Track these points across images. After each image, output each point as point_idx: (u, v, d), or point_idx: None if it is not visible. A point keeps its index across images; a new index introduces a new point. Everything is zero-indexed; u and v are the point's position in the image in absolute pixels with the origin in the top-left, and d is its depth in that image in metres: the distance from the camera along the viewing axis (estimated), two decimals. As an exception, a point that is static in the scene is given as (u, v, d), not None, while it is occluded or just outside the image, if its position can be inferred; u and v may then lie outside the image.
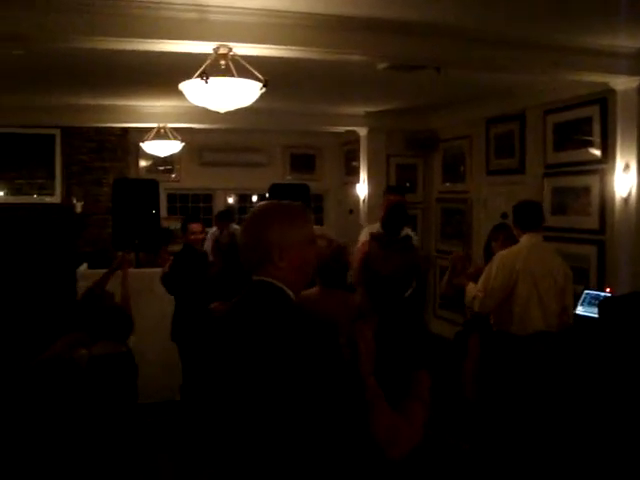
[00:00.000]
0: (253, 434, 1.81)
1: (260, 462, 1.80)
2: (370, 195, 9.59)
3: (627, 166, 5.66)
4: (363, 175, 9.83)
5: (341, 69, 6.13)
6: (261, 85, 4.47)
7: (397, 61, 5.50)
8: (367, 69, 5.98)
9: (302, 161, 11.67)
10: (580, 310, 5.81)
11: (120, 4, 4.15)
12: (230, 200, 11.65)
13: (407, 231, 5.63)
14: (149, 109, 8.59)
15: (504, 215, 7.12)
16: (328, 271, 3.47)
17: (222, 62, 4.49)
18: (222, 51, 4.45)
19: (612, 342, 4.72)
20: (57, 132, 9.83)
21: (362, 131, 9.75)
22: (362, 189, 9.87)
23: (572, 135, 6.82)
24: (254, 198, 11.55)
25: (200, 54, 4.49)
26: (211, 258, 6.65)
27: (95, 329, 4.24)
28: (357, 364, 2.05)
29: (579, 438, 4.44)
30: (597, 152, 6.46)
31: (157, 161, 10.54)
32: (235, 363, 1.87)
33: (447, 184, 9.53)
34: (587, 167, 6.60)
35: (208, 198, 11.53)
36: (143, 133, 8.94)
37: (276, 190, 8.50)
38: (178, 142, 8.80)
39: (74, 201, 9.95)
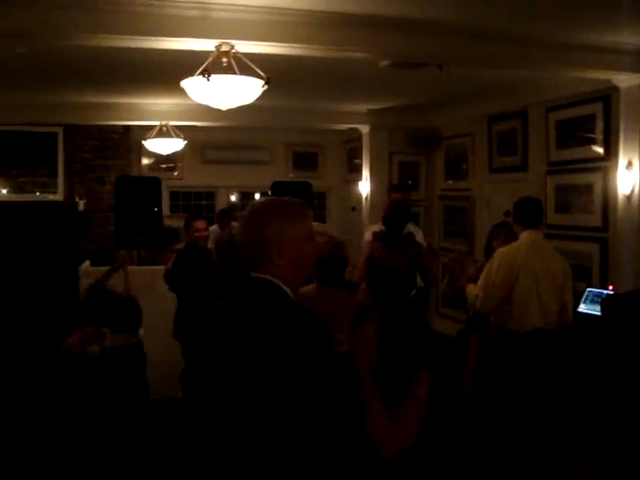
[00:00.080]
0: (244, 430, 1.81)
1: (252, 457, 1.80)
2: (372, 193, 9.59)
3: (630, 163, 5.65)
4: (365, 173, 9.83)
5: (343, 67, 6.13)
6: (263, 83, 4.47)
7: (399, 58, 5.49)
8: (369, 67, 5.98)
9: (304, 159, 11.66)
10: (583, 308, 5.80)
11: (123, 2, 4.15)
12: (233, 198, 11.65)
13: (410, 228, 5.63)
14: (151, 107, 8.59)
15: (507, 213, 7.11)
16: (326, 268, 3.47)
17: (224, 59, 4.49)
18: (224, 48, 4.45)
19: (615, 340, 4.71)
20: (60, 130, 9.85)
21: (364, 129, 9.74)
22: (364, 187, 9.87)
23: (575, 132, 6.81)
24: (257, 196, 11.55)
25: (202, 52, 4.50)
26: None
27: (107, 322, 4.27)
28: (355, 362, 2.05)
29: (578, 435, 4.43)
30: (600, 149, 6.45)
31: (159, 159, 10.55)
32: (229, 359, 1.87)
33: (450, 182, 9.52)
34: (590, 165, 6.59)
35: (211, 196, 11.53)
36: (145, 131, 8.94)
37: (278, 188, 8.49)
38: (180, 140, 8.81)
39: (77, 199, 9.96)
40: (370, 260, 5.33)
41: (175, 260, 5.75)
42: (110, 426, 4.00)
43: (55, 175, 9.96)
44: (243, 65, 4.53)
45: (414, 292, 5.47)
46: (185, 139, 8.88)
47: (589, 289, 5.98)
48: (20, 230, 9.38)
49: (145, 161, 10.76)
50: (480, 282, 4.67)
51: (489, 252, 5.04)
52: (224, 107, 4.71)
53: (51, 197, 9.93)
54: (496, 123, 8.24)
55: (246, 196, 11.72)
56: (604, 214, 6.39)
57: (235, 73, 4.43)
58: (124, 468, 4.15)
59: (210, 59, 4.44)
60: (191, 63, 4.41)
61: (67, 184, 10.01)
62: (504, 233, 5.07)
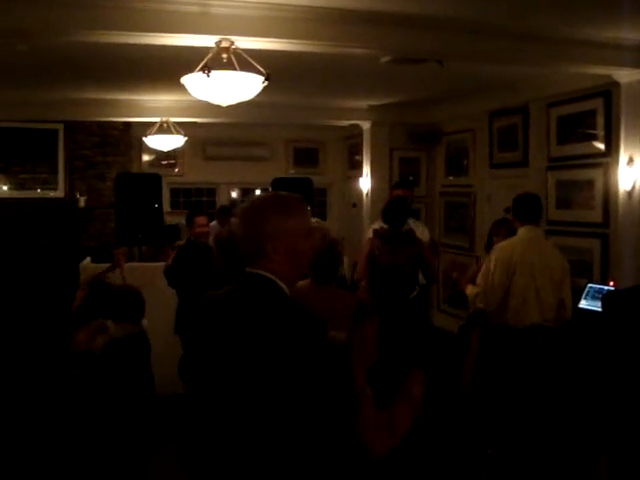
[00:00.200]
0: (236, 422, 1.81)
1: (242, 452, 1.80)
2: (373, 189, 9.59)
3: (631, 159, 5.64)
4: (366, 169, 9.83)
5: (344, 62, 6.12)
6: (263, 79, 4.46)
7: (399, 54, 5.48)
8: (370, 62, 5.96)
9: (305, 155, 11.65)
10: (584, 304, 5.80)
11: (122, -2, 4.15)
12: (234, 194, 11.64)
13: (410, 223, 5.63)
14: (152, 103, 8.58)
15: (507, 209, 7.09)
16: (321, 265, 3.47)
17: (224, 55, 4.49)
18: (224, 44, 4.45)
19: (616, 336, 4.71)
20: (60, 127, 9.84)
21: (365, 125, 9.74)
22: (365, 183, 9.87)
23: (576, 128, 6.80)
24: (257, 192, 11.55)
25: (202, 48, 4.49)
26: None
27: (109, 313, 4.29)
28: (352, 360, 2.05)
29: (593, 425, 4.44)
30: (601, 145, 6.43)
31: (160, 155, 10.55)
32: (223, 354, 1.87)
33: (450, 178, 9.52)
34: (591, 160, 6.58)
35: (211, 192, 11.52)
36: (146, 127, 8.94)
37: (279, 184, 8.50)
38: (181, 136, 8.81)
39: (77, 196, 9.96)
40: (370, 258, 5.33)
41: (175, 256, 5.76)
42: (115, 418, 4.04)
43: (56, 172, 9.96)
44: (243, 61, 4.53)
45: (416, 291, 5.45)
46: (185, 135, 8.88)
47: (590, 285, 5.97)
48: (21, 227, 9.38)
49: (146, 158, 10.76)
50: (479, 279, 4.67)
51: (490, 248, 5.04)
52: (224, 103, 4.71)
53: (52, 194, 9.93)
54: (497, 119, 8.22)
55: (247, 192, 11.70)
56: (605, 210, 6.39)
57: (235, 69, 4.42)
58: (127, 462, 4.18)
59: (210, 55, 4.43)
60: (191, 59, 4.41)
61: (68, 181, 10.00)
62: (505, 229, 5.07)
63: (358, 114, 9.52)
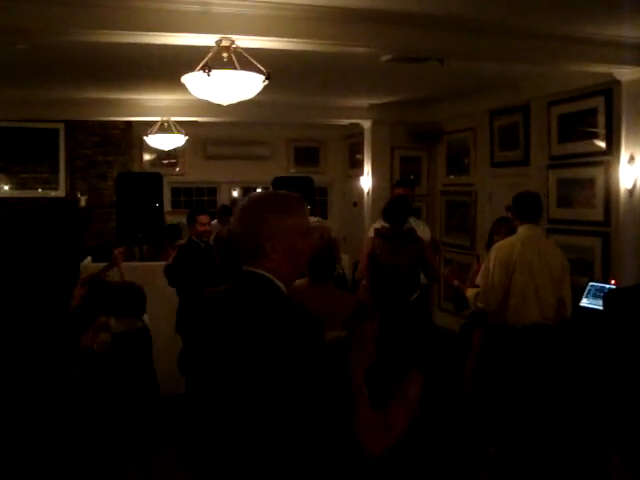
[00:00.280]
0: (231, 422, 1.81)
1: (237, 450, 1.80)
2: (374, 188, 9.59)
3: (632, 158, 5.64)
4: (367, 168, 9.82)
5: (344, 61, 6.11)
6: (264, 78, 4.46)
7: (400, 53, 5.47)
8: (371, 61, 5.96)
9: (306, 154, 11.65)
10: (585, 302, 5.80)
11: (123, -3, 4.15)
12: (235, 193, 11.65)
13: (411, 222, 5.63)
14: (153, 103, 8.58)
15: (508, 208, 7.09)
16: (318, 265, 3.47)
17: (225, 55, 4.48)
18: (225, 44, 4.44)
19: (617, 334, 4.70)
20: (61, 126, 9.84)
21: (366, 123, 9.73)
22: (366, 182, 9.86)
23: (577, 127, 6.79)
24: (258, 191, 11.54)
25: (203, 47, 4.48)
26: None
27: (110, 309, 4.31)
28: (349, 360, 2.05)
29: (579, 430, 4.44)
30: (602, 144, 6.43)
31: (161, 155, 10.56)
32: (219, 351, 1.87)
33: (451, 177, 9.51)
34: (592, 159, 6.58)
35: (212, 191, 11.53)
36: (147, 127, 8.94)
37: (280, 183, 8.49)
38: (182, 136, 8.81)
39: (78, 195, 9.97)
40: (371, 257, 5.33)
41: (176, 255, 5.76)
42: (117, 414, 4.06)
43: (57, 171, 9.97)
44: (244, 60, 4.52)
45: (417, 293, 5.42)
46: (186, 135, 8.88)
47: (591, 283, 5.97)
48: (22, 226, 9.38)
49: (147, 157, 10.77)
50: (479, 279, 4.67)
51: (491, 247, 5.04)
52: (225, 102, 4.71)
53: (53, 193, 9.94)
54: (498, 117, 8.22)
55: (248, 191, 11.69)
56: (606, 208, 6.38)
57: (235, 68, 4.42)
58: (127, 459, 4.20)
59: (210, 54, 4.43)
60: (191, 58, 4.41)
61: (69, 180, 10.01)
62: (505, 228, 5.08)
63: (359, 113, 9.51)
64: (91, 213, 9.99)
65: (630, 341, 4.48)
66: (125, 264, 5.68)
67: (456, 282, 5.35)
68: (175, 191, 11.23)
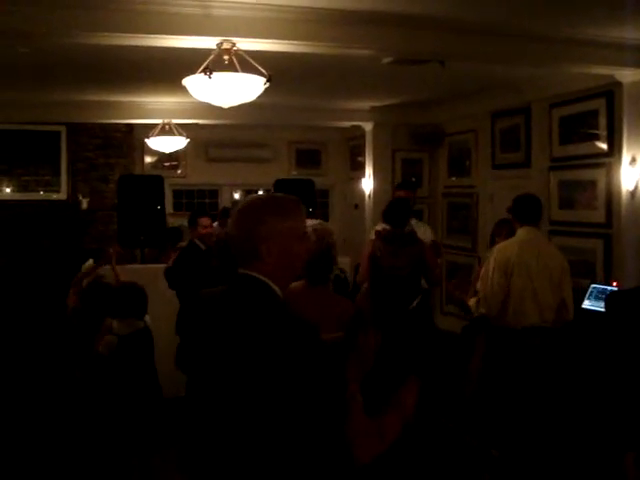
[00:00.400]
0: (223, 423, 1.82)
1: (228, 450, 1.81)
2: (376, 190, 9.58)
3: (633, 159, 5.63)
4: (368, 170, 9.82)
5: (346, 64, 6.12)
6: (265, 80, 4.46)
7: (401, 55, 5.48)
8: (372, 63, 5.96)
9: (307, 156, 11.65)
10: (587, 304, 5.79)
11: (124, 0, 4.15)
12: (236, 196, 11.64)
13: (412, 223, 5.63)
14: (154, 105, 8.60)
15: (510, 209, 7.10)
16: (315, 268, 3.47)
17: (226, 57, 4.49)
18: (226, 46, 4.45)
19: (619, 336, 4.70)
20: (62, 129, 9.85)
21: (367, 126, 9.73)
22: (367, 184, 9.85)
23: (578, 128, 6.79)
24: (260, 193, 11.53)
25: (204, 49, 4.49)
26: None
27: (114, 310, 4.32)
28: (345, 365, 2.05)
29: (582, 432, 4.43)
30: (603, 145, 6.43)
31: (162, 157, 10.56)
32: (211, 355, 1.88)
33: (453, 178, 9.51)
34: (593, 160, 6.57)
35: (214, 194, 11.52)
36: (148, 129, 8.95)
37: (281, 185, 8.50)
38: (183, 138, 8.82)
39: (80, 198, 9.97)
40: (372, 259, 5.32)
41: (176, 257, 5.77)
42: (120, 415, 4.07)
43: (58, 174, 9.98)
44: (245, 63, 4.53)
45: (418, 299, 5.39)
46: (188, 137, 8.89)
47: (593, 285, 5.96)
48: (24, 229, 9.39)
49: (148, 159, 10.76)
50: (479, 285, 4.67)
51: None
52: (226, 105, 4.71)
53: (54, 196, 9.95)
54: (499, 119, 8.22)
55: (249, 194, 11.70)
56: (608, 210, 6.37)
57: (237, 71, 4.42)
58: (130, 462, 4.21)
59: (212, 57, 4.43)
60: (193, 61, 4.41)
61: (70, 183, 10.02)
62: (506, 230, 5.07)
63: (360, 115, 9.51)
64: (93, 216, 9.99)
65: (632, 343, 4.47)
66: (126, 266, 5.69)
67: (457, 293, 5.35)
68: (177, 193, 11.23)
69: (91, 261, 7.42)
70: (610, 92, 6.26)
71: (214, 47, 4.46)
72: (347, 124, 10.04)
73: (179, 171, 11.02)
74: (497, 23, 4.86)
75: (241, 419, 1.77)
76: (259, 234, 1.86)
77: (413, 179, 9.30)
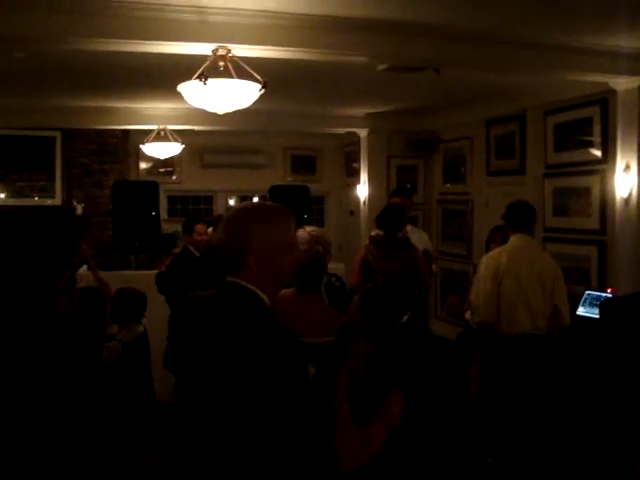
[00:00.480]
0: (207, 426, 1.83)
1: (212, 455, 1.81)
2: (371, 196, 9.59)
3: (627, 166, 5.65)
4: (363, 176, 9.82)
5: (341, 70, 6.13)
6: (260, 86, 4.46)
7: (395, 62, 5.49)
8: (367, 70, 5.97)
9: (302, 162, 11.65)
10: (581, 311, 5.80)
11: (120, 6, 4.15)
12: (231, 202, 11.64)
13: (408, 229, 5.63)
14: (149, 111, 8.59)
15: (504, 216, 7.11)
16: (305, 277, 3.46)
17: (221, 63, 4.49)
18: (221, 52, 4.45)
19: (613, 343, 4.71)
20: (57, 134, 9.82)
21: (362, 132, 9.74)
22: (363, 190, 9.86)
23: (573, 136, 6.81)
24: (255, 199, 11.53)
25: (199, 55, 4.49)
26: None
27: (117, 316, 4.31)
28: (334, 375, 2.05)
29: (575, 441, 4.43)
30: (598, 152, 6.45)
31: (157, 163, 10.54)
32: (196, 361, 1.89)
33: (448, 185, 9.52)
34: (588, 167, 6.59)
35: (209, 200, 11.51)
36: (143, 135, 8.95)
37: (276, 192, 8.50)
38: (178, 144, 8.81)
39: (75, 203, 9.94)
40: (364, 263, 5.34)
41: (169, 263, 5.76)
42: (120, 420, 4.08)
43: (53, 179, 9.93)
44: (240, 69, 4.53)
45: (409, 315, 5.37)
46: (183, 143, 8.88)
47: (588, 292, 5.98)
48: (19, 234, 9.36)
49: (143, 165, 10.75)
50: (472, 295, 4.68)
51: (487, 256, 5.04)
52: (221, 111, 4.71)
53: (49, 202, 9.91)
54: (494, 126, 8.24)
55: (245, 200, 11.70)
56: (602, 217, 6.39)
57: (232, 77, 4.43)
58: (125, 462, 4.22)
59: (207, 63, 4.43)
60: (188, 67, 4.41)
61: (65, 188, 9.98)
62: (500, 236, 5.08)
63: (355, 122, 9.53)
64: (87, 221, 9.96)
65: (627, 349, 4.48)
66: (120, 273, 5.67)
67: (453, 311, 5.35)
68: (171, 199, 11.21)
69: (85, 267, 7.40)
70: (604, 100, 6.28)
71: (209, 53, 4.47)
72: (342, 130, 10.05)
73: (174, 177, 11.01)
74: (491, 30, 4.87)
75: (222, 423, 1.78)
76: (246, 244, 1.86)
77: (408, 186, 9.31)
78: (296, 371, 1.77)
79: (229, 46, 4.44)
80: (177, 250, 6.54)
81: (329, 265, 4.07)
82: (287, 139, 11.16)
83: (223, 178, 10.99)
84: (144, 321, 4.49)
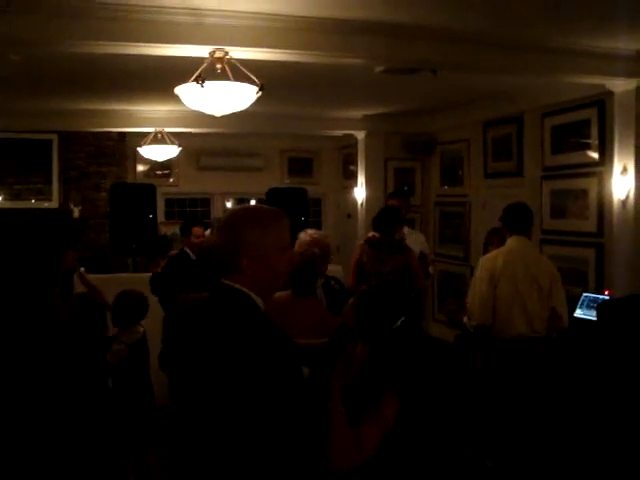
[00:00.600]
0: (199, 426, 1.83)
1: (205, 455, 1.82)
2: (368, 199, 9.58)
3: (625, 169, 5.65)
4: (361, 179, 9.82)
5: (338, 72, 6.12)
6: (257, 89, 4.46)
7: (392, 64, 5.49)
8: (364, 72, 5.97)
9: (300, 165, 11.65)
10: (579, 313, 5.80)
11: (117, 9, 4.14)
12: (229, 204, 11.63)
13: (405, 231, 5.63)
14: (146, 114, 8.59)
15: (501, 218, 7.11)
16: (300, 279, 3.47)
17: (218, 66, 4.48)
18: (218, 55, 4.44)
19: (611, 345, 4.70)
20: (54, 137, 9.81)
21: (360, 134, 9.74)
22: (360, 193, 9.86)
23: (570, 138, 6.81)
24: (252, 202, 11.53)
25: (196, 58, 4.49)
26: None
27: (120, 319, 4.30)
28: (330, 376, 2.05)
29: (573, 443, 4.42)
30: (595, 155, 6.45)
31: (154, 166, 10.54)
32: (188, 363, 1.90)
33: (445, 187, 9.52)
34: (585, 170, 6.59)
35: (206, 202, 11.50)
36: (140, 138, 8.93)
37: (274, 194, 8.51)
38: (175, 147, 8.80)
39: (72, 206, 9.93)
40: (359, 265, 5.36)
41: (165, 264, 5.76)
42: (121, 422, 4.07)
43: (50, 182, 9.93)
44: (237, 71, 4.52)
45: (403, 319, 5.36)
46: (180, 146, 8.87)
47: (585, 294, 5.98)
48: (15, 237, 9.34)
49: (140, 168, 10.74)
50: (468, 298, 4.67)
51: (485, 259, 5.03)
52: (218, 113, 4.70)
53: (46, 204, 9.90)
54: (491, 129, 8.24)
55: (242, 202, 11.68)
56: (599, 219, 6.39)
57: (229, 79, 4.42)
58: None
59: (204, 65, 4.43)
60: (185, 69, 4.40)
61: (62, 191, 9.97)
62: (497, 239, 5.08)
63: (353, 124, 9.52)
64: (85, 224, 9.95)
65: (624, 351, 4.48)
66: (118, 275, 5.66)
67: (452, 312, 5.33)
68: (169, 202, 11.19)
69: (83, 269, 7.39)
70: (602, 102, 6.28)
71: (206, 56, 4.46)
72: (339, 133, 10.04)
73: (171, 180, 11.00)
74: (488, 33, 4.87)
75: (216, 424, 1.79)
76: (240, 247, 1.87)
77: (405, 188, 9.32)
78: (289, 373, 1.78)
79: (226, 48, 4.43)
80: (173, 252, 6.53)
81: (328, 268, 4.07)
82: (284, 141, 11.16)
83: (220, 181, 10.99)
84: (143, 323, 4.48)
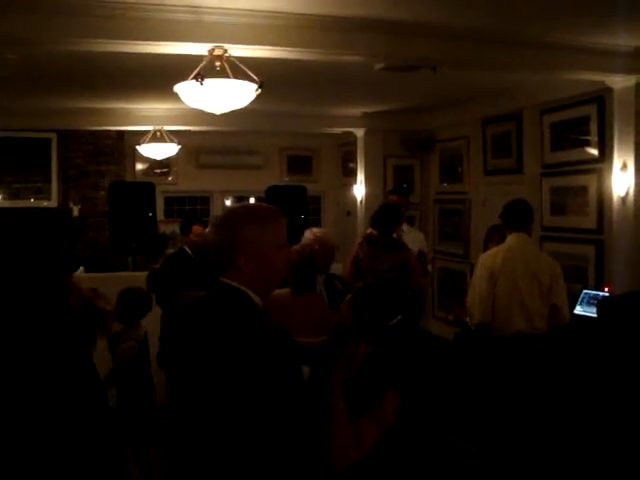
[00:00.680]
0: (197, 424, 1.83)
1: (204, 453, 1.82)
2: (368, 196, 9.58)
3: (624, 165, 5.65)
4: (360, 176, 9.82)
5: (338, 70, 6.12)
6: (257, 86, 4.45)
7: (392, 61, 5.49)
8: (364, 70, 5.97)
9: (299, 163, 11.65)
10: (579, 310, 5.80)
11: (116, 6, 4.13)
12: (228, 202, 11.62)
13: (404, 228, 5.63)
14: (145, 112, 8.57)
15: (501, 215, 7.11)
16: (299, 276, 3.47)
17: (217, 63, 4.48)
18: (217, 52, 4.44)
19: (611, 342, 4.70)
20: (53, 136, 9.81)
21: (359, 132, 9.74)
22: (359, 190, 9.85)
23: (569, 134, 6.81)
24: (251, 200, 11.52)
25: (196, 56, 4.48)
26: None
27: (125, 316, 4.29)
28: (330, 374, 2.05)
29: (573, 439, 4.42)
30: (594, 151, 6.44)
31: (154, 164, 10.53)
32: (187, 361, 1.90)
33: (445, 185, 9.51)
34: (584, 166, 6.59)
35: (205, 200, 11.50)
36: (139, 136, 8.93)
37: (273, 192, 8.50)
38: (174, 145, 8.80)
39: (71, 205, 9.93)
40: (356, 262, 5.36)
41: (164, 262, 5.77)
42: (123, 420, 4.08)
43: (49, 181, 9.93)
44: (236, 69, 4.52)
45: (399, 317, 5.36)
46: (179, 144, 8.87)
47: (585, 291, 5.97)
48: (15, 236, 9.33)
49: (139, 166, 10.73)
50: (468, 296, 4.66)
51: (485, 256, 5.03)
52: (217, 111, 4.70)
53: (45, 203, 9.89)
54: (490, 126, 8.23)
55: (241, 201, 11.68)
56: (599, 216, 6.39)
57: (228, 77, 4.41)
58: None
59: (203, 63, 4.42)
60: (184, 67, 4.40)
61: (61, 190, 9.97)
62: (497, 236, 5.08)
63: (352, 121, 9.52)
64: (84, 223, 9.95)
65: (624, 348, 4.47)
66: (118, 274, 5.66)
67: (463, 320, 5.33)
68: (168, 200, 11.19)
69: (82, 269, 7.40)
70: (601, 98, 6.28)
71: (205, 53, 4.46)
72: (339, 130, 10.04)
73: (170, 178, 10.99)
74: (488, 30, 4.87)
75: (215, 422, 1.79)
76: (237, 245, 1.87)
77: (405, 185, 9.31)
78: (287, 370, 1.78)
79: (225, 46, 4.43)
80: (170, 251, 6.54)
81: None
82: (283, 139, 11.15)
83: (219, 179, 10.98)
84: (143, 321, 4.48)
